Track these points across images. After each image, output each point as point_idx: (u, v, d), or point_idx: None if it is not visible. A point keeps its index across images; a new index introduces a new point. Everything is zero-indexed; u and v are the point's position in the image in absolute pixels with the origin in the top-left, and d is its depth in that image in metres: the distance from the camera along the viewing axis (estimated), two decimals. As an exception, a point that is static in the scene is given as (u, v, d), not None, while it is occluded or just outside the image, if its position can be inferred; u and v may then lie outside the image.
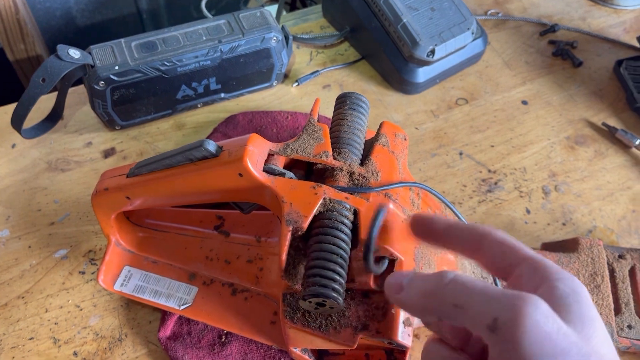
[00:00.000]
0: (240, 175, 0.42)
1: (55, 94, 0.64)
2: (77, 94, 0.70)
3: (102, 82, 0.60)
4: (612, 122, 0.71)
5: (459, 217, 0.49)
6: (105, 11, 1.11)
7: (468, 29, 0.68)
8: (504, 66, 0.77)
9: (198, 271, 0.54)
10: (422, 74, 0.70)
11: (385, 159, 0.46)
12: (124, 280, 0.54)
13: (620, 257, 0.56)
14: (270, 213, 0.55)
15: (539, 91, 0.74)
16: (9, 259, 0.57)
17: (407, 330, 0.41)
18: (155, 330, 0.53)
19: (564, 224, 0.62)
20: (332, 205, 0.42)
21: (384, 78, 0.74)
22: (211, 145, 0.43)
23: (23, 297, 0.55)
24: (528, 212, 0.63)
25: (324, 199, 0.42)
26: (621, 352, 0.54)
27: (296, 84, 0.72)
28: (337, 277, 0.39)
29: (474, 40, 0.72)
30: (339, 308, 0.39)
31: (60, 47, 0.58)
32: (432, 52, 0.67)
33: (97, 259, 0.57)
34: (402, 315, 0.41)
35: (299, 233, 0.41)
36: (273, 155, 0.45)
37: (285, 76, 0.73)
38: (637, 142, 0.67)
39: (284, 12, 0.86)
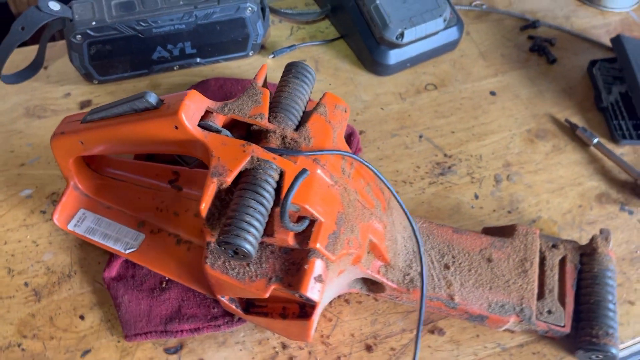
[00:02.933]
0: (176, 127, 0.45)
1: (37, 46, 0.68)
2: (61, 47, 0.73)
3: (79, 36, 0.63)
4: (577, 120, 0.72)
5: (390, 190, 0.51)
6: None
7: (440, 15, 0.70)
8: (479, 57, 0.78)
9: (147, 220, 0.57)
10: (393, 57, 0.72)
11: (321, 127, 0.49)
12: (78, 222, 0.57)
13: (553, 246, 0.58)
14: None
15: (509, 84, 0.75)
16: (-22, 193, 0.61)
17: (317, 286, 0.44)
18: (102, 270, 0.57)
19: (509, 212, 0.64)
20: (259, 164, 0.44)
21: (358, 58, 0.76)
22: (152, 97, 0.46)
23: (-14, 229, 0.59)
24: (476, 197, 0.65)
25: (252, 157, 0.44)
26: (539, 335, 0.56)
27: (272, 55, 0.75)
28: (251, 229, 0.42)
29: (447, 28, 0.73)
30: (250, 257, 0.42)
31: (41, 0, 0.61)
32: (402, 35, 0.69)
33: (60, 201, 0.61)
34: (315, 272, 0.44)
35: (223, 186, 0.44)
36: (212, 113, 0.47)
37: (263, 47, 0.76)
38: (595, 141, 0.68)
39: (273, -13, 0.88)
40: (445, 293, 0.54)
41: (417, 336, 0.48)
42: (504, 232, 0.59)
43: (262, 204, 0.43)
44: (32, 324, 0.54)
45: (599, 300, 0.55)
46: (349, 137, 0.67)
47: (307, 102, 0.51)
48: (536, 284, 0.55)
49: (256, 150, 0.45)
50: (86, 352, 0.53)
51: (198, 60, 0.72)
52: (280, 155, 0.45)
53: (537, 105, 0.73)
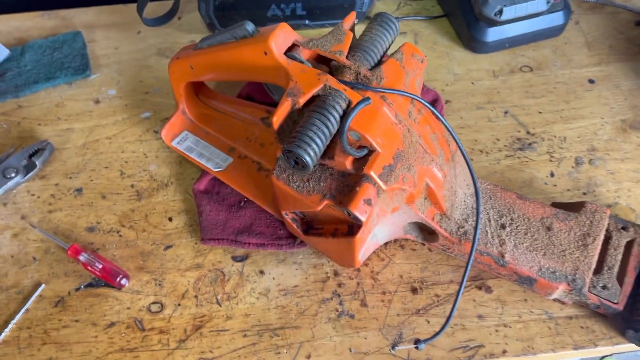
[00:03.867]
0: (265, 53, 0.52)
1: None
2: (192, 1, 0.84)
3: (208, -13, 0.73)
4: (681, 116, 0.68)
5: (456, 141, 0.54)
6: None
7: (544, -4, 0.71)
8: (584, 46, 0.77)
9: (237, 147, 0.65)
10: (491, 34, 0.74)
11: (394, 70, 0.53)
12: (180, 140, 0.67)
13: (623, 228, 0.57)
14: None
15: (611, 74, 0.74)
16: (109, 111, 0.73)
17: (366, 207, 0.48)
18: (191, 184, 0.66)
19: (584, 194, 0.63)
20: (330, 92, 0.50)
21: (458, 36, 0.78)
22: (249, 26, 0.53)
23: (110, 138, 0.70)
24: (552, 175, 0.65)
25: (325, 85, 0.50)
26: (590, 311, 0.55)
27: (375, 25, 0.79)
28: (312, 144, 0.47)
29: (552, 12, 0.73)
30: (307, 169, 0.48)
31: (182, -47, 0.72)
32: (500, 11, 0.70)
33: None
34: (365, 195, 0.48)
35: (296, 106, 0.50)
36: (299, 46, 0.54)
37: (367, 17, 0.81)
38: (696, 138, 0.65)
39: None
40: (497, 250, 0.55)
41: (462, 281, 0.50)
42: (573, 207, 0.59)
43: (326, 126, 0.48)
44: (130, 217, 0.64)
45: (661, 285, 0.53)
46: (433, 103, 0.70)
47: (388, 48, 0.55)
48: (595, 259, 0.54)
49: (330, 80, 0.50)
50: (168, 246, 0.61)
51: (307, 22, 0.79)
52: (350, 88, 0.50)
53: (638, 98, 0.71)
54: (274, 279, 0.59)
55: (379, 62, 0.54)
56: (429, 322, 0.56)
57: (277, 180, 0.52)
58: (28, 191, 0.66)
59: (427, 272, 0.59)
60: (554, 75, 0.74)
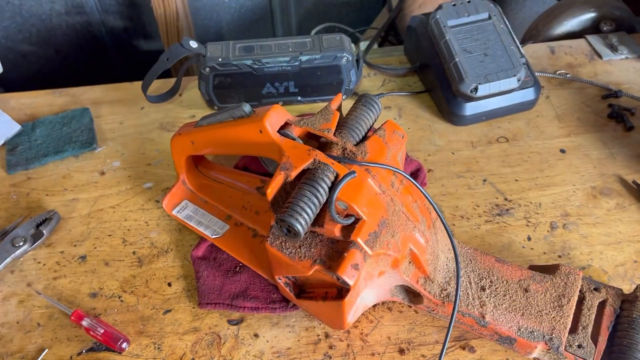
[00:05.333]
0: (260, 131, 0.57)
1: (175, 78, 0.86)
2: (192, 81, 0.91)
3: (208, 69, 0.80)
4: (646, 183, 0.74)
5: (434, 208, 0.58)
6: (249, 34, 1.36)
7: (514, 75, 0.78)
8: (554, 118, 0.83)
9: (233, 215, 0.70)
10: (469, 109, 0.80)
11: (377, 146, 0.58)
12: (180, 209, 0.71)
13: (595, 289, 0.61)
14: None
15: (581, 144, 0.80)
16: (114, 181, 0.78)
17: (353, 272, 0.52)
18: (189, 251, 0.69)
19: (559, 256, 0.67)
20: (319, 166, 0.55)
21: (438, 109, 0.85)
22: (246, 107, 0.59)
23: (114, 208, 0.75)
24: (529, 239, 0.69)
25: (315, 159, 0.55)
26: (569, 369, 0.58)
27: (362, 101, 0.86)
28: (304, 213, 0.52)
29: (523, 88, 0.80)
30: (299, 237, 0.52)
31: (185, 38, 0.79)
32: (476, 89, 0.77)
33: (170, 194, 0.76)
34: (352, 260, 0.52)
35: (288, 179, 0.55)
36: (291, 125, 0.59)
37: (355, 93, 0.88)
38: (661, 203, 0.70)
39: (375, 46, 1.01)
40: (478, 311, 0.59)
41: (445, 341, 0.54)
42: (548, 270, 0.63)
43: (316, 196, 0.53)
44: (131, 283, 0.67)
45: (633, 343, 0.56)
46: (417, 172, 0.76)
47: (372, 125, 0.61)
48: (570, 319, 0.58)
49: (319, 155, 0.55)
50: (167, 311, 0.64)
51: (299, 98, 0.85)
52: (338, 162, 0.55)
53: (606, 166, 0.77)
54: (267, 341, 0.62)
55: (364, 138, 0.59)
56: (416, 382, 0.58)
57: (270, 247, 0.56)
58: (34, 259, 0.70)
59: (413, 333, 0.62)
60: (528, 146, 0.80)
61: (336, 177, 0.55)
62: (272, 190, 0.54)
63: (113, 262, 0.69)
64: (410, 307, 0.64)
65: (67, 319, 0.64)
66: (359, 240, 0.53)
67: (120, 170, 0.79)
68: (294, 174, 0.55)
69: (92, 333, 0.61)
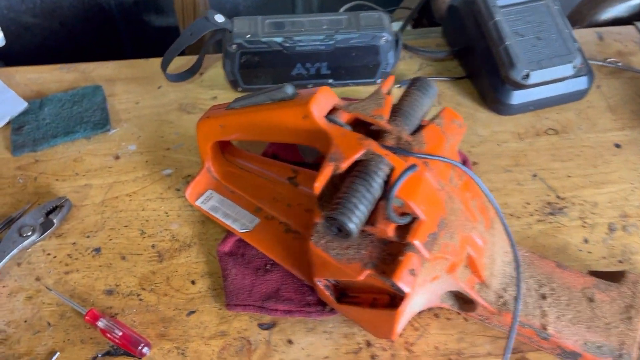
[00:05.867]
0: (305, 117, 0.51)
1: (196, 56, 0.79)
2: (215, 59, 0.84)
3: (234, 46, 0.73)
4: None
5: (495, 208, 0.52)
6: (266, 9, 1.29)
7: (570, 62, 0.71)
8: (606, 110, 0.77)
9: (263, 207, 0.63)
10: (516, 97, 0.74)
11: (435, 136, 0.52)
12: (205, 200, 0.65)
13: (666, 300, 0.55)
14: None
15: (636, 139, 0.73)
16: (129, 167, 0.71)
17: (410, 278, 0.46)
18: (217, 245, 0.63)
19: (620, 261, 0.62)
20: (373, 157, 0.48)
21: (481, 97, 0.78)
22: (289, 89, 0.52)
23: (130, 196, 0.68)
24: (586, 241, 0.63)
25: (367, 150, 0.49)
26: (639, 389, 0.52)
27: (398, 85, 0.80)
28: (357, 211, 0.45)
29: (576, 76, 0.74)
30: (351, 236, 0.46)
31: (210, 12, 0.72)
32: (527, 76, 0.70)
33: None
34: (409, 265, 0.46)
35: (338, 171, 0.48)
36: (338, 110, 0.53)
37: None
38: None
39: (409, 27, 0.94)
40: (539, 322, 0.53)
41: (505, 356, 0.48)
42: (612, 277, 0.57)
43: (369, 192, 0.47)
44: (151, 280, 0.61)
45: None
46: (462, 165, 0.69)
47: (426, 114, 0.54)
48: (639, 332, 0.52)
49: (372, 145, 0.49)
50: (191, 312, 0.58)
51: (330, 81, 0.78)
52: (393, 153, 0.49)
53: (665, 163, 0.71)
54: (303, 349, 0.56)
55: (419, 127, 0.53)
56: (469, 398, 0.53)
57: (315, 247, 0.50)
58: (44, 250, 0.63)
59: (463, 344, 0.56)
60: (579, 139, 0.74)
61: (391, 170, 0.48)
62: (320, 183, 0.48)
63: (130, 256, 0.63)
64: (459, 314, 0.58)
65: (80, 319, 0.58)
66: (417, 243, 0.47)
67: (137, 154, 0.73)
68: (344, 165, 0.48)
69: (109, 335, 0.55)
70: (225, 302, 0.58)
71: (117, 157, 0.72)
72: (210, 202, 0.64)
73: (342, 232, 0.46)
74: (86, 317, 0.56)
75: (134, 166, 0.71)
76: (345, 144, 0.49)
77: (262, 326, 0.57)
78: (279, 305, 0.58)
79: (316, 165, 0.65)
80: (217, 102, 0.78)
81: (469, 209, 0.52)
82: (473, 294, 0.53)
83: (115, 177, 0.70)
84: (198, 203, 0.64)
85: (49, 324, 0.58)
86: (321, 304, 0.58)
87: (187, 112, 0.77)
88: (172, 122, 0.76)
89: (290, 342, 0.56)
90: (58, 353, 0.55)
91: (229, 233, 0.63)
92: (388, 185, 0.48)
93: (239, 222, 0.62)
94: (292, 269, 0.59)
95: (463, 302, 0.56)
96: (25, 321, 0.58)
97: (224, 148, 0.67)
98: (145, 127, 0.76)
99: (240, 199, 0.65)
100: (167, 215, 0.66)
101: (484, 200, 0.55)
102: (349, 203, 0.46)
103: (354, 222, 0.45)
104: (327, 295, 0.55)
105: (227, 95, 0.79)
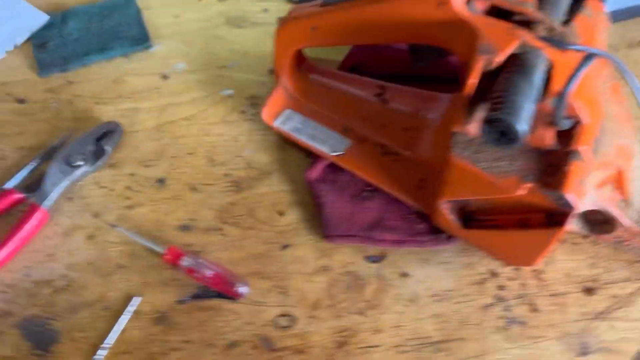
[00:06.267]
0: (440, 4, 0.42)
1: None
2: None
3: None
4: None
5: (646, 114, 0.45)
6: None
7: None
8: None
9: (352, 127, 0.55)
10: None
11: (587, 28, 0.44)
12: (284, 120, 0.56)
13: None
14: (431, 93, 0.55)
15: None
16: (181, 87, 0.61)
17: (580, 190, 0.40)
18: (301, 172, 0.55)
19: None
20: (528, 50, 0.40)
21: None
22: (416, -29, 0.43)
23: (188, 119, 0.59)
24: None
25: (523, 42, 0.41)
26: None
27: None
28: (523, 111, 0.38)
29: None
30: (518, 141, 0.38)
31: None
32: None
33: (258, 104, 0.60)
34: (578, 175, 0.39)
35: (492, 66, 0.40)
36: (473, -2, 0.44)
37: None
38: None
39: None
40: (688, 241, 0.47)
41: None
42: None
43: (532, 90, 0.39)
44: (231, 212, 0.52)
45: None
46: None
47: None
48: None
49: (526, 36, 0.41)
50: (285, 246, 0.51)
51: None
52: (550, 46, 0.41)
53: None
54: (420, 282, 0.49)
55: (567, 18, 0.45)
56: (613, 327, 0.47)
57: (458, 161, 0.42)
58: (97, 183, 0.54)
59: (597, 269, 0.50)
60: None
61: (549, 66, 0.41)
62: (473, 79, 0.40)
63: (202, 186, 0.54)
64: (586, 237, 0.52)
65: (156, 259, 0.49)
66: (583, 150, 0.40)
67: (188, 73, 0.62)
68: (499, 59, 0.40)
69: (196, 275, 0.47)
70: (324, 233, 0.51)
71: (165, 77, 0.62)
72: (290, 123, 0.56)
73: (506, 136, 0.38)
74: (166, 256, 0.48)
75: (187, 87, 0.61)
76: (496, 35, 0.41)
77: (369, 259, 0.50)
78: (387, 234, 0.50)
79: (403, 79, 0.58)
80: (268, 14, 0.68)
81: (621, 115, 0.45)
82: (617, 212, 0.47)
83: (167, 100, 0.60)
84: (277, 124, 0.55)
85: (119, 265, 0.49)
86: (434, 231, 0.51)
87: (237, 27, 0.67)
88: (222, 38, 0.66)
89: (404, 275, 0.49)
90: (140, 298, 0.47)
91: (315, 158, 0.55)
92: (546, 85, 0.40)
93: (327, 144, 0.54)
94: (398, 193, 0.51)
95: (597, 223, 0.50)
96: (90, 263, 0.49)
97: (298, 62, 0.58)
98: (193, 44, 0.65)
99: (325, 119, 0.56)
100: (237, 141, 0.57)
101: (629, 109, 0.48)
102: (514, 101, 0.38)
103: (524, 123, 0.38)
104: (450, 220, 0.47)
105: (280, 8, 0.69)
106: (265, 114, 0.56)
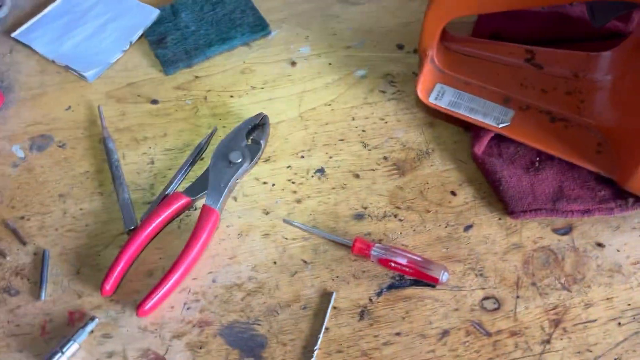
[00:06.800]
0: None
1: None
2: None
3: None
4: None
5: None
6: None
7: None
8: None
9: (512, 96, 0.53)
10: None
11: None
12: (438, 96, 0.53)
13: None
14: (587, 54, 0.53)
15: None
16: (313, 72, 0.58)
17: None
18: (460, 148, 0.53)
19: None
20: None
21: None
22: None
23: (329, 105, 0.56)
24: None
25: None
26: None
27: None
28: None
29: None
30: None
31: None
32: None
33: (396, 82, 0.57)
34: None
35: None
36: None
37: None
38: None
39: None
40: None
41: None
42: None
43: None
44: (402, 196, 0.50)
45: None
46: None
47: None
48: None
49: None
50: (468, 227, 0.48)
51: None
52: None
53: None
54: (619, 251, 0.47)
55: None
56: None
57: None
58: (257, 179, 0.51)
59: None
60: None
61: None
62: None
63: (364, 172, 0.52)
64: None
65: (341, 251, 0.47)
66: None
67: (314, 57, 0.60)
68: None
69: (392, 265, 0.45)
70: (509, 210, 0.48)
71: (292, 63, 0.59)
72: (445, 98, 0.53)
73: None
74: (355, 248, 0.46)
75: (317, 71, 0.59)
76: None
77: (557, 232, 0.48)
78: (573, 205, 0.48)
79: (546, 43, 0.55)
80: (380, -11, 0.65)
81: None
82: None
83: (301, 86, 0.58)
84: (432, 101, 0.53)
85: (305, 262, 0.47)
86: (620, 197, 0.49)
87: (351, 4, 0.64)
88: (338, 17, 0.63)
89: (599, 245, 0.47)
90: (335, 293, 0.45)
91: (479, 131, 0.52)
92: None
93: (490, 116, 0.52)
94: (577, 161, 0.49)
95: None
96: (275, 262, 0.47)
97: (442, 34, 0.55)
98: (310, 26, 0.62)
99: (480, 90, 0.53)
100: (385, 122, 0.55)
101: None
102: None
103: None
104: (645, 185, 0.45)
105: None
106: (420, 91, 0.53)
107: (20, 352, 0.43)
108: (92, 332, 0.43)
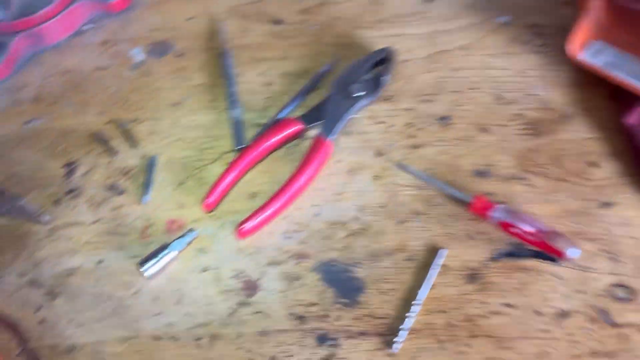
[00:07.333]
0: None
1: None
2: None
3: None
4: None
5: None
6: None
7: None
8: None
9: (686, 65, 0.45)
10: None
11: None
12: (594, 54, 0.47)
13: None
14: None
15: None
16: (449, 12, 0.53)
17: None
18: (610, 116, 0.46)
19: None
20: None
21: None
22: None
23: (465, 50, 0.51)
24: None
25: None
26: None
27: None
28: None
29: None
30: None
31: None
32: None
33: (543, 34, 0.51)
34: None
35: None
36: None
37: None
38: None
39: None
40: None
41: None
42: None
43: None
44: (533, 160, 0.45)
45: None
46: None
47: None
48: None
49: None
50: (606, 204, 0.43)
51: None
52: None
53: None
54: None
55: None
56: None
57: None
58: (372, 117, 0.48)
59: None
60: None
61: None
62: None
63: (493, 127, 0.47)
64: None
65: (458, 207, 0.43)
66: None
67: (456, -4, 0.54)
68: None
69: (514, 231, 0.40)
70: (661, 191, 0.42)
71: (429, 0, 0.54)
72: (602, 57, 0.46)
73: None
74: (474, 206, 0.42)
75: (455, 12, 0.53)
76: None
77: None
78: None
79: None
80: None
81: None
82: None
83: (435, 26, 0.53)
84: (584, 58, 0.47)
85: (416, 212, 0.43)
86: None
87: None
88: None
89: None
90: (447, 250, 0.41)
91: (631, 100, 0.45)
92: None
93: (654, 83, 0.45)
94: None
95: None
96: (382, 207, 0.44)
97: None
98: (453, -38, 0.56)
99: (646, 53, 0.46)
100: (525, 77, 0.49)
101: None
102: None
103: None
104: None
105: None
106: (570, 46, 0.47)
107: (118, 250, 0.43)
108: (189, 243, 0.42)
